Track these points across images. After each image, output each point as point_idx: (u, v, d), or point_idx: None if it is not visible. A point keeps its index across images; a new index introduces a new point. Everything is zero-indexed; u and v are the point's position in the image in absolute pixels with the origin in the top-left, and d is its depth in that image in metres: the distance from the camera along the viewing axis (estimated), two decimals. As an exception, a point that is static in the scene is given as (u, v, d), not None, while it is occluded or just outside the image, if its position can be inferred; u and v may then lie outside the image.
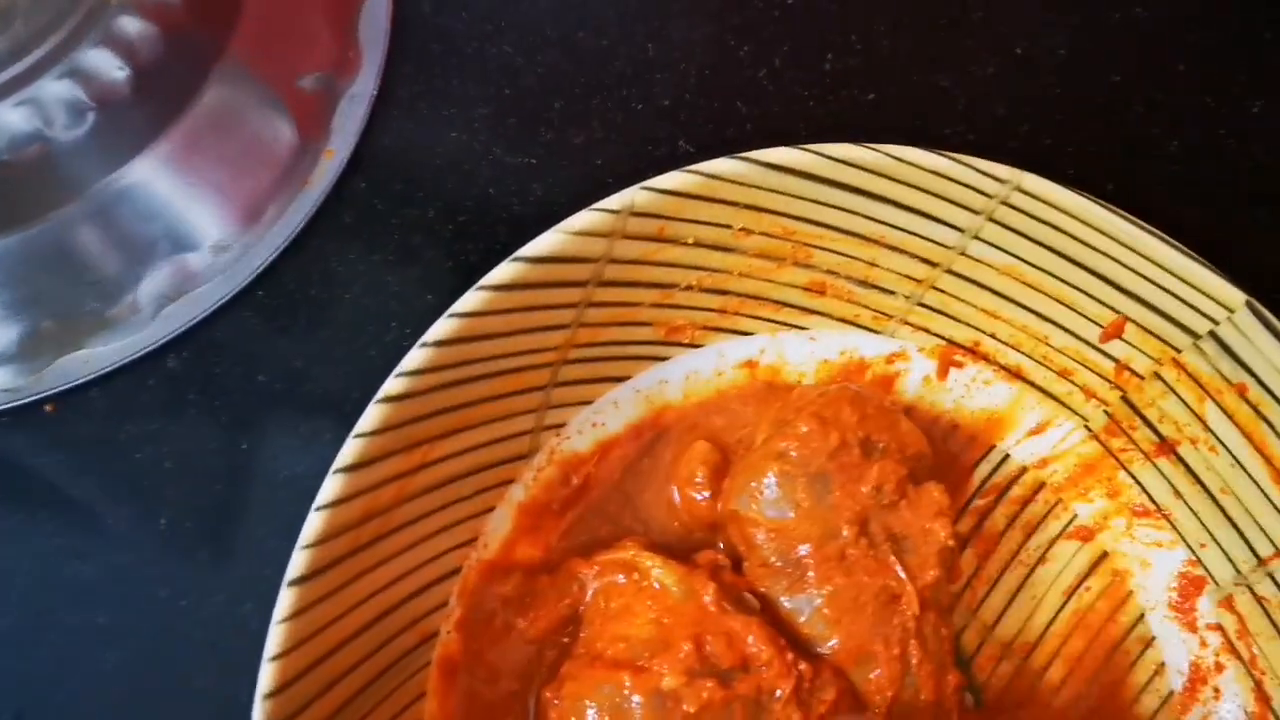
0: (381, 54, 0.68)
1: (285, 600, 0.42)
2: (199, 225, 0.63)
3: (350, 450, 0.44)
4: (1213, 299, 0.52)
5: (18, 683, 0.56)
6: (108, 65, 0.57)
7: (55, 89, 0.56)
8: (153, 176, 0.62)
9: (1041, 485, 0.59)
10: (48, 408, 0.61)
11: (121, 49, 0.58)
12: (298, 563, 0.43)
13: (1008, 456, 0.59)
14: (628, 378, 0.57)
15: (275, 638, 0.42)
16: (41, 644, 0.56)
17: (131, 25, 0.58)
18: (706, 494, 0.55)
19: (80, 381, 0.61)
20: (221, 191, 0.63)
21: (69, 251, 0.61)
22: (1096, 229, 0.53)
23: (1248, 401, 0.52)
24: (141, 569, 0.58)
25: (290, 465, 0.59)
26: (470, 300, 0.48)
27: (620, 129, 0.68)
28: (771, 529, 0.52)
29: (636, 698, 0.46)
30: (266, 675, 0.41)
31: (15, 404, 0.60)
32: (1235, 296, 0.52)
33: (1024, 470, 0.59)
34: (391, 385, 0.46)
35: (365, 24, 0.69)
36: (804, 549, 0.52)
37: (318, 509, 0.43)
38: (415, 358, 0.46)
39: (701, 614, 0.48)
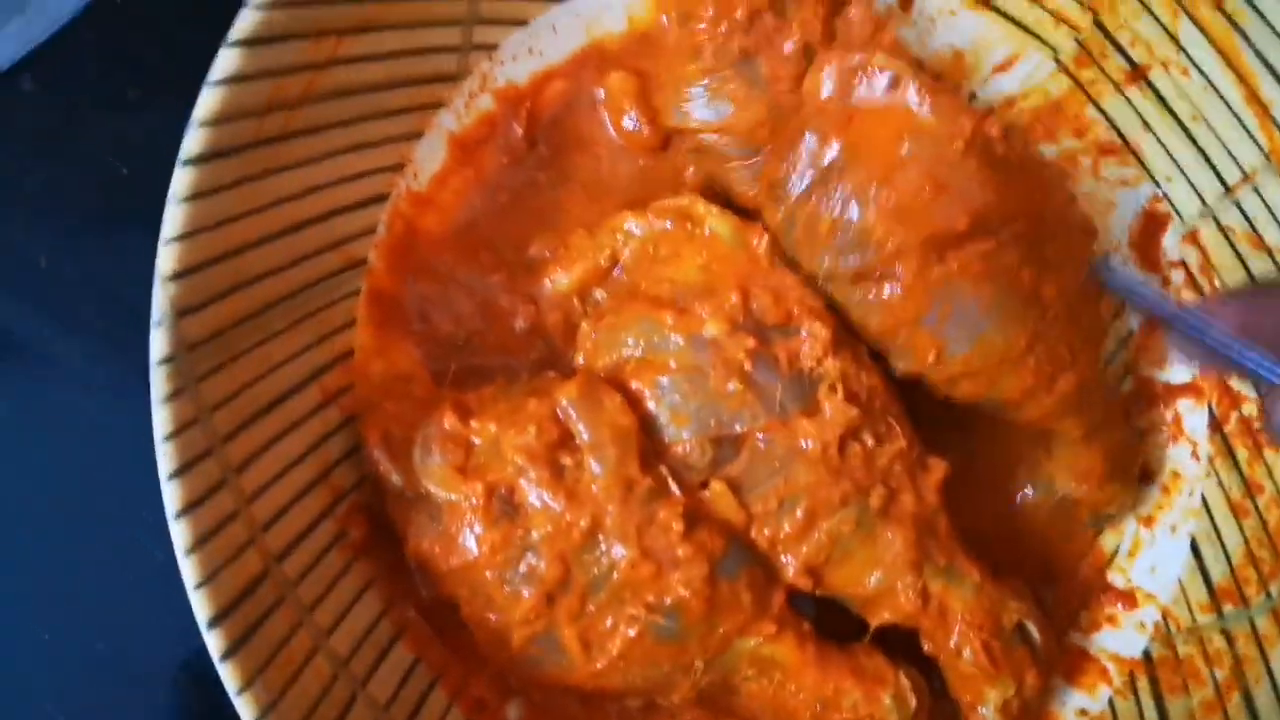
0: None
1: (181, 179, 0.39)
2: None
3: (247, 22, 0.40)
4: (1195, -108, 0.48)
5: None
6: None
7: None
8: None
9: (1008, 128, 0.55)
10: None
11: None
12: (192, 140, 0.39)
13: (974, 96, 0.55)
14: (566, -2, 0.53)
15: (173, 217, 0.38)
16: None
17: None
18: (640, 124, 0.52)
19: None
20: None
21: None
22: None
23: (1223, 12, 0.49)
24: (21, 311, 0.54)
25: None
26: None
27: None
28: (719, 130, 0.49)
29: (676, 338, 0.44)
30: (165, 257, 0.38)
31: None
32: (1219, -112, 0.47)
33: (990, 112, 0.55)
34: (289, -46, 0.41)
35: None
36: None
37: (211, 84, 0.39)
38: (313, -75, 0.42)
39: (752, 266, 0.46)
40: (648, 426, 0.44)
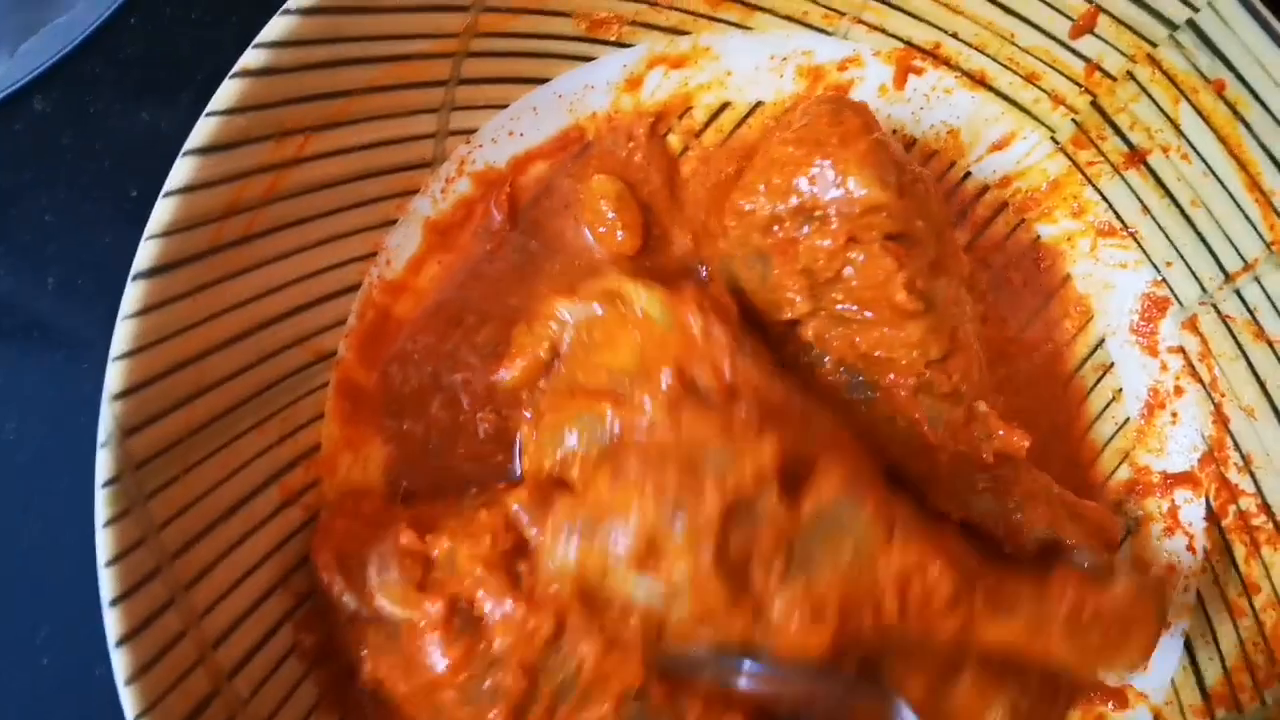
0: None
1: (131, 294, 0.38)
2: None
3: (202, 131, 0.39)
4: (1194, -18, 0.46)
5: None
6: None
7: None
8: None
9: (1004, 206, 0.54)
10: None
11: None
12: (144, 253, 0.38)
13: (969, 174, 0.54)
14: (547, 79, 0.52)
15: (121, 334, 0.38)
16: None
17: None
18: (622, 233, 0.50)
19: (-66, 133, 0.54)
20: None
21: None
22: (1071, -100, 0.46)
23: (1225, 100, 0.48)
24: (32, 332, 0.53)
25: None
26: (340, -38, 0.42)
27: None
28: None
29: (618, 426, 0.43)
30: (113, 375, 0.37)
31: None
32: (1219, -22, 0.46)
33: (985, 190, 0.54)
34: (249, 58, 0.40)
35: None
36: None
37: (165, 195, 0.38)
38: (276, 27, 0.41)
39: (686, 341, 0.45)
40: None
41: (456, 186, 0.51)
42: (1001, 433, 0.46)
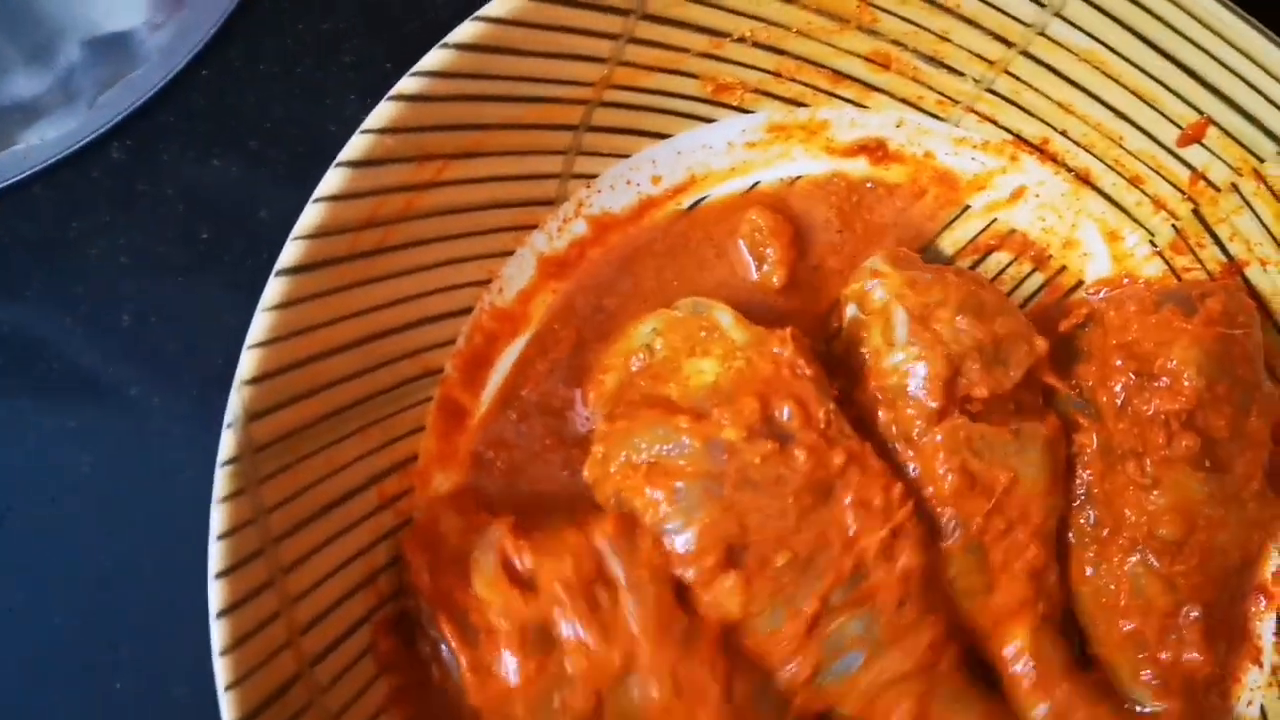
0: None
1: (272, 288, 0.40)
2: (128, 2, 0.59)
3: (356, 145, 0.42)
4: (1308, 102, 0.47)
5: (-4, 485, 0.54)
6: None
7: None
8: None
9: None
10: (-12, 207, 0.57)
11: None
12: (289, 253, 0.41)
13: (1064, 268, 0.55)
14: (669, 136, 0.54)
15: (259, 324, 0.40)
16: (14, 449, 0.54)
17: None
18: (779, 277, 0.53)
19: (19, 178, 0.57)
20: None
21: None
22: (1191, 14, 0.48)
23: (1328, 218, 0.48)
24: (108, 368, 0.56)
25: (255, 251, 0.56)
26: (499, 6, 0.45)
27: None
28: None
29: (691, 442, 0.44)
30: (247, 361, 0.40)
31: (-47, 206, 0.56)
32: (1333, 101, 0.47)
33: (1079, 284, 0.56)
34: (405, 84, 0.43)
35: None
36: None
37: (315, 200, 0.41)
38: (434, 58, 0.44)
39: (773, 374, 0.46)
40: (658, 534, 0.45)
41: (572, 227, 0.53)
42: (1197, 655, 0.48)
